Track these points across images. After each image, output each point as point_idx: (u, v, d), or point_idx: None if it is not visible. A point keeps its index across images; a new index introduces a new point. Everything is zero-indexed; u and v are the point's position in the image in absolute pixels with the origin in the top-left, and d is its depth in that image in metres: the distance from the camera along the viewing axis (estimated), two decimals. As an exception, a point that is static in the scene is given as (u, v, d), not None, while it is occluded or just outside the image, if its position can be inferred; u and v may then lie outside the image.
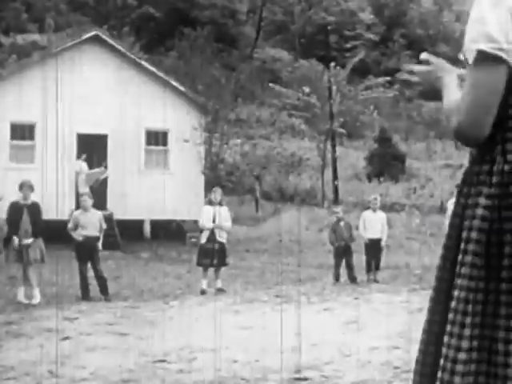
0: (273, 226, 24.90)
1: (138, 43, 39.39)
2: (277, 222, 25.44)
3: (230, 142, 27.40)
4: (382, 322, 8.34)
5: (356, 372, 5.77)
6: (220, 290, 12.12)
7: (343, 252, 13.74)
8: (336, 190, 29.25)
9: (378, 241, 13.87)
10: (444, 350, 2.17)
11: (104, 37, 23.76)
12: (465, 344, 2.14)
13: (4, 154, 22.37)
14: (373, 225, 13.88)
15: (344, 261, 13.77)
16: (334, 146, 30.58)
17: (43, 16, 41.83)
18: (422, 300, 9.17)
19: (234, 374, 5.80)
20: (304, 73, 37.85)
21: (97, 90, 22.97)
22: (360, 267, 14.00)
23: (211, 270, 12.31)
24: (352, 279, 13.57)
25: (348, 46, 46.42)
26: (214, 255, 12.11)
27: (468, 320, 2.14)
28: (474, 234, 2.16)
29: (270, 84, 35.28)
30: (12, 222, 10.83)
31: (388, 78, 36.08)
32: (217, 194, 12.38)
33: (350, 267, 13.70)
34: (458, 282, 2.18)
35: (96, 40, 23.35)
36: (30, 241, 10.72)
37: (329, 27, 35.93)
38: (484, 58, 2.11)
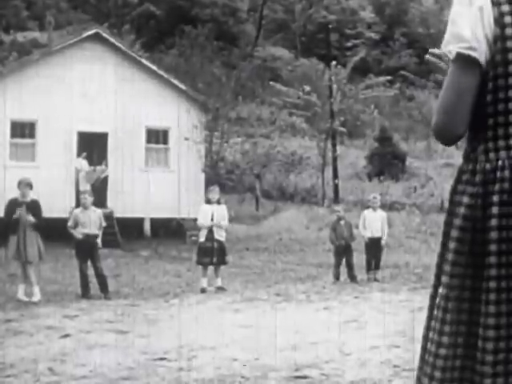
0: (273, 225, 24.90)
1: (139, 41, 39.41)
2: (277, 220, 25.44)
3: (230, 140, 27.41)
4: (381, 320, 8.34)
5: (356, 371, 5.77)
6: (220, 289, 12.11)
7: (343, 251, 13.74)
8: (336, 189, 29.25)
9: (378, 240, 13.87)
10: (429, 344, 2.21)
11: (104, 35, 23.76)
12: (445, 339, 2.16)
13: (4, 152, 22.36)
14: (373, 224, 13.88)
15: (344, 260, 13.77)
16: (334, 145, 30.58)
17: (43, 14, 41.85)
18: (422, 299, 9.17)
19: (233, 372, 5.79)
20: (305, 71, 37.83)
21: (97, 88, 22.97)
22: (360, 266, 14.00)
23: (211, 269, 12.30)
24: (352, 278, 13.57)
25: (349, 44, 46.40)
26: (213, 254, 12.09)
27: (448, 317, 2.17)
28: (455, 233, 2.19)
29: (271, 82, 35.28)
30: (10, 219, 10.79)
31: (389, 77, 36.11)
32: (214, 192, 12.33)
33: (350, 266, 13.69)
34: (442, 279, 2.21)
35: (96, 38, 23.35)
36: (31, 218, 10.60)
37: (330, 26, 35.80)
38: (456, 59, 2.14)
